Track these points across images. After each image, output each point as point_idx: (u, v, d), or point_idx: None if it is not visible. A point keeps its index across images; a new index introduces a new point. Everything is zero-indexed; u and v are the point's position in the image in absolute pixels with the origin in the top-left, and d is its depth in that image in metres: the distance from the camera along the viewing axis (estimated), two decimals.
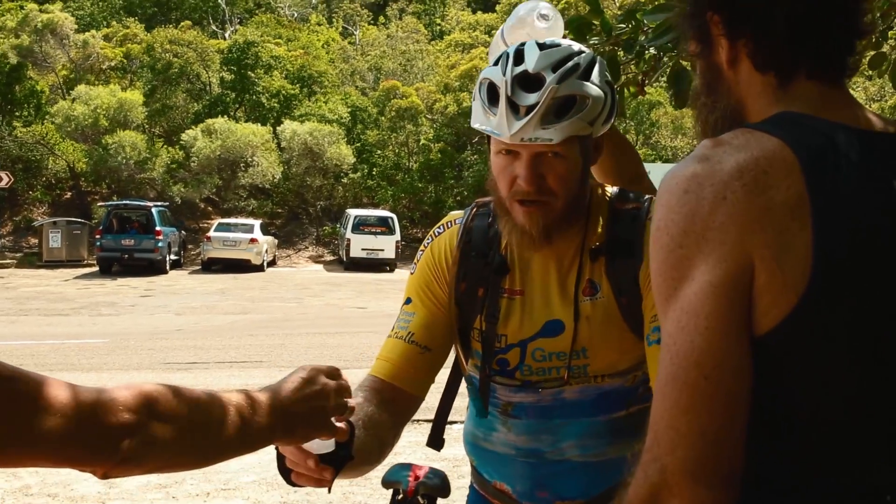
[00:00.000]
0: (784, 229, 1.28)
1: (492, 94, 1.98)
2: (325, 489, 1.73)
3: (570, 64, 1.96)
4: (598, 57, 2.05)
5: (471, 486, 2.34)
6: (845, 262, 1.29)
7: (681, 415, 1.27)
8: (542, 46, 1.99)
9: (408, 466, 2.14)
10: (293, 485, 1.73)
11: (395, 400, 2.09)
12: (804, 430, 1.35)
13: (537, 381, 2.11)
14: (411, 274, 2.25)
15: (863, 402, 1.34)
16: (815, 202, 1.29)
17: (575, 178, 2.01)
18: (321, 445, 1.67)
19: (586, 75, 1.97)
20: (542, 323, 2.09)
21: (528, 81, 1.94)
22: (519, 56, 1.97)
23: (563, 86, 1.93)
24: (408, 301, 2.21)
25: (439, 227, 2.25)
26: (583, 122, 1.94)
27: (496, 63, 2.02)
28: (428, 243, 2.25)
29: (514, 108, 1.93)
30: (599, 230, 2.09)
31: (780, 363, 1.32)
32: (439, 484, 2.13)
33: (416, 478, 2.10)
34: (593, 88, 1.97)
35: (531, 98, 1.92)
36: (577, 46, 2.04)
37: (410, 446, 7.66)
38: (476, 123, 2.03)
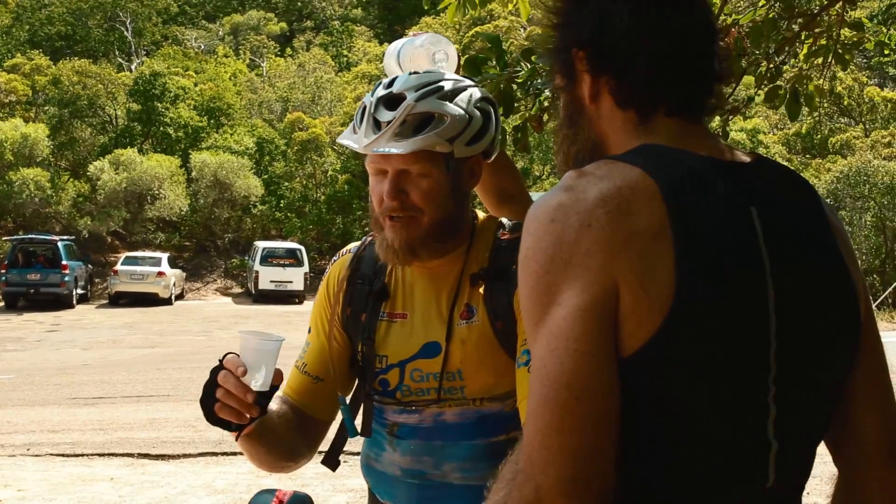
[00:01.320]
0: (647, 254, 1.32)
1: (362, 114, 2.07)
2: (235, 433, 1.99)
3: (433, 86, 2.05)
4: (478, 88, 2.14)
5: None
6: (706, 285, 1.33)
7: (553, 434, 1.28)
8: (414, 73, 2.12)
9: (272, 492, 2.17)
10: (213, 418, 1.92)
11: (302, 419, 2.25)
12: (674, 447, 1.37)
13: (415, 400, 2.18)
14: (314, 303, 2.36)
15: (730, 419, 1.38)
16: (675, 227, 1.33)
17: (441, 196, 2.08)
18: (259, 385, 1.90)
19: (449, 97, 2.05)
20: (420, 344, 2.16)
21: (391, 101, 2.04)
22: (391, 82, 2.08)
23: (421, 103, 2.01)
24: (309, 330, 2.32)
25: (335, 257, 2.36)
26: (440, 138, 2.01)
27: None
28: (325, 274, 2.35)
29: (375, 123, 2.03)
30: (482, 257, 2.17)
31: (647, 383, 1.33)
32: None
33: (280, 502, 2.12)
34: (454, 108, 2.04)
35: (389, 114, 2.02)
36: (454, 77, 2.14)
37: (318, 477, 8.04)
38: (340, 138, 2.11)
